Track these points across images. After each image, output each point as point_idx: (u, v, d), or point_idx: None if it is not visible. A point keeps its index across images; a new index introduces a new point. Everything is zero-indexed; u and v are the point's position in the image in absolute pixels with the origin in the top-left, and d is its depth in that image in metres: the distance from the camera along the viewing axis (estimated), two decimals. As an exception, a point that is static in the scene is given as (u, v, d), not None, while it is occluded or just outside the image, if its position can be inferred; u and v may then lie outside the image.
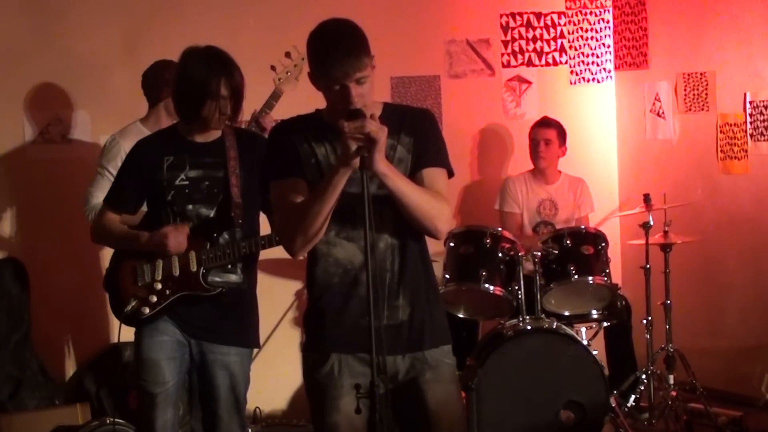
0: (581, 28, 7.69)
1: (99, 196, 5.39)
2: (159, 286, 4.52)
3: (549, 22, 7.61)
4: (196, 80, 4.43)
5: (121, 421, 5.39)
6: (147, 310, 4.53)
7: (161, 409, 4.56)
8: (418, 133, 3.61)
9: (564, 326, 6.07)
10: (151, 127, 5.68)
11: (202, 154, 4.51)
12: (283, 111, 5.08)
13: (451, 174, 3.67)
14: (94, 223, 4.77)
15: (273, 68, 5.80)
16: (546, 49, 7.61)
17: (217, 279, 4.53)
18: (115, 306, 4.65)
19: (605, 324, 6.47)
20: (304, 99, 4.00)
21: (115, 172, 5.53)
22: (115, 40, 6.62)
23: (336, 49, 3.44)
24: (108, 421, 5.53)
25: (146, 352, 4.54)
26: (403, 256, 3.60)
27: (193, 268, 4.48)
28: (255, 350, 6.72)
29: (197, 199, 4.50)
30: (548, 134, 6.88)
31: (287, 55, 5.80)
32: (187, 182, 4.49)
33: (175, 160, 4.49)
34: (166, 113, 5.67)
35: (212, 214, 4.51)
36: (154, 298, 4.52)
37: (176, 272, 4.50)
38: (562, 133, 6.92)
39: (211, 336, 4.55)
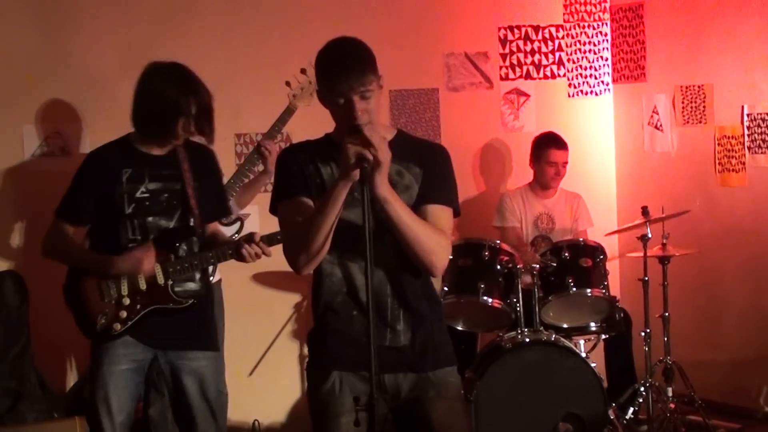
0: (579, 41, 7.70)
1: None
2: (127, 301, 4.51)
3: (547, 35, 7.61)
4: (168, 98, 4.46)
5: None
6: (118, 326, 4.51)
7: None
8: (429, 167, 3.59)
9: (562, 338, 6.07)
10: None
11: (160, 167, 4.54)
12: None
13: (457, 214, 3.64)
14: (47, 237, 4.68)
15: (288, 84, 5.80)
16: (544, 62, 7.60)
17: (178, 289, 4.57)
18: (83, 324, 4.60)
19: (604, 336, 6.46)
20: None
21: None
22: (120, 54, 6.61)
23: (341, 64, 3.46)
24: None
25: (103, 385, 4.53)
26: (404, 281, 3.59)
27: (161, 281, 4.51)
28: (254, 363, 6.82)
29: (157, 212, 4.52)
30: (566, 156, 6.88)
31: (303, 71, 5.73)
32: (147, 194, 4.50)
33: (134, 173, 4.50)
34: None
35: (171, 225, 4.53)
36: (124, 314, 4.50)
37: (143, 286, 4.50)
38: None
39: (177, 344, 4.58)
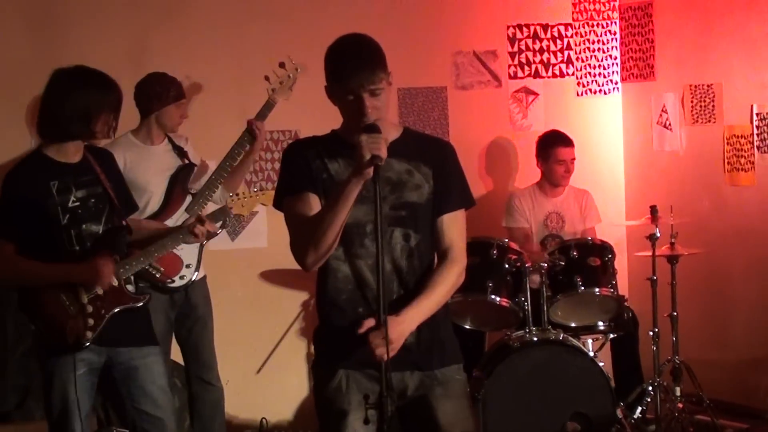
0: (588, 40, 7.70)
1: None
2: (90, 308, 4.51)
3: (556, 34, 7.62)
4: (90, 99, 4.52)
5: (125, 431, 5.25)
6: (89, 334, 4.50)
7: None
8: (439, 167, 3.63)
9: (570, 338, 6.11)
10: (142, 139, 5.84)
11: (80, 174, 4.58)
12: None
13: (472, 204, 3.72)
14: None
15: (267, 78, 5.90)
16: (553, 60, 7.62)
17: (129, 287, 4.67)
18: (53, 339, 4.53)
19: (612, 335, 6.50)
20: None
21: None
22: (119, 52, 6.64)
23: (351, 61, 3.47)
24: (113, 431, 5.41)
25: (68, 391, 4.51)
26: (411, 278, 3.61)
27: (115, 283, 4.53)
28: (262, 361, 6.86)
29: (88, 218, 4.55)
30: (573, 153, 6.89)
31: (281, 65, 5.91)
32: (78, 203, 4.53)
33: (61, 184, 4.51)
34: (157, 125, 5.81)
35: (101, 229, 4.58)
36: (92, 321, 4.50)
37: (100, 291, 4.51)
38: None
39: (129, 341, 4.62)
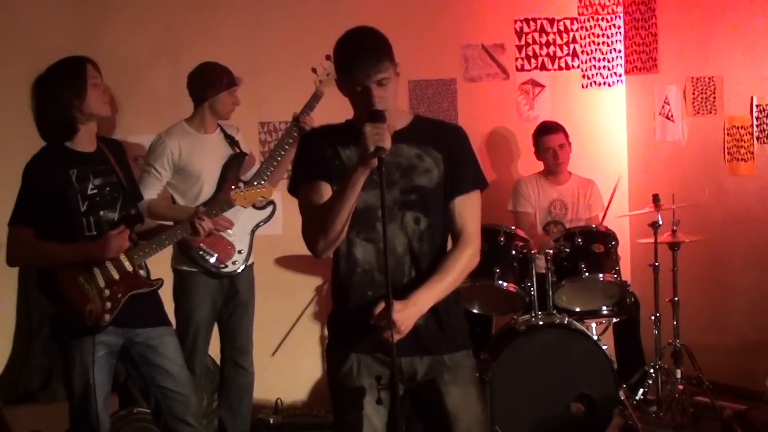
0: (593, 34, 7.71)
1: (147, 193, 5.59)
2: (107, 292, 4.56)
3: (562, 28, 7.63)
4: (66, 89, 4.57)
5: (145, 410, 5.36)
6: (107, 317, 4.57)
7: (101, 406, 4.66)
8: (449, 151, 3.64)
9: (575, 322, 6.11)
10: (196, 127, 5.84)
11: (96, 163, 4.65)
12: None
13: (485, 186, 3.72)
14: (12, 246, 4.64)
15: (314, 70, 5.87)
16: (559, 53, 7.62)
17: (142, 272, 4.72)
18: (73, 322, 4.58)
19: (615, 320, 6.49)
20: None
21: (161, 170, 5.73)
22: (149, 43, 6.68)
23: (357, 53, 3.51)
24: (134, 411, 5.64)
25: (88, 373, 4.57)
26: (421, 263, 3.62)
27: (129, 268, 4.58)
28: (277, 343, 6.88)
29: (105, 205, 4.62)
30: (560, 139, 6.88)
31: (328, 57, 5.84)
32: (96, 191, 4.60)
33: (79, 172, 4.58)
34: (211, 112, 5.85)
35: (116, 216, 4.65)
36: (109, 304, 4.56)
37: (116, 275, 4.56)
38: (567, 133, 6.94)
39: (146, 322, 4.69)
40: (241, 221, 5.91)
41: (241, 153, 6.01)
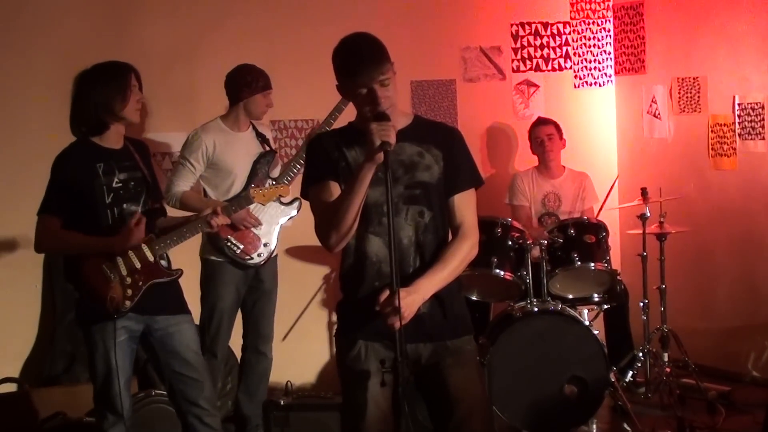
0: (584, 37, 7.84)
1: (180, 185, 5.78)
2: (129, 280, 4.66)
3: (555, 31, 7.76)
4: (109, 91, 4.70)
5: (163, 392, 5.37)
6: (128, 304, 4.67)
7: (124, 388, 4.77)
8: (448, 150, 3.73)
9: (568, 308, 6.19)
10: (230, 125, 5.94)
11: (122, 159, 4.76)
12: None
13: (481, 183, 3.81)
14: (40, 233, 4.74)
15: None
16: (552, 55, 7.75)
17: (163, 263, 4.84)
18: (96, 307, 4.67)
19: (605, 306, 6.56)
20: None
21: (195, 164, 5.83)
22: (171, 41, 6.72)
23: (359, 57, 3.59)
24: (153, 393, 5.70)
25: (111, 356, 4.66)
26: (425, 254, 3.69)
27: (151, 258, 4.70)
28: (287, 329, 6.93)
29: (128, 198, 4.73)
30: (548, 130, 6.96)
31: None
32: (120, 185, 4.71)
33: (106, 166, 4.69)
34: (245, 112, 5.95)
35: (139, 209, 4.76)
36: (130, 291, 4.66)
37: (138, 265, 4.67)
38: (558, 127, 7.03)
39: (165, 310, 4.80)
40: (268, 216, 6.00)
41: (271, 150, 6.07)
